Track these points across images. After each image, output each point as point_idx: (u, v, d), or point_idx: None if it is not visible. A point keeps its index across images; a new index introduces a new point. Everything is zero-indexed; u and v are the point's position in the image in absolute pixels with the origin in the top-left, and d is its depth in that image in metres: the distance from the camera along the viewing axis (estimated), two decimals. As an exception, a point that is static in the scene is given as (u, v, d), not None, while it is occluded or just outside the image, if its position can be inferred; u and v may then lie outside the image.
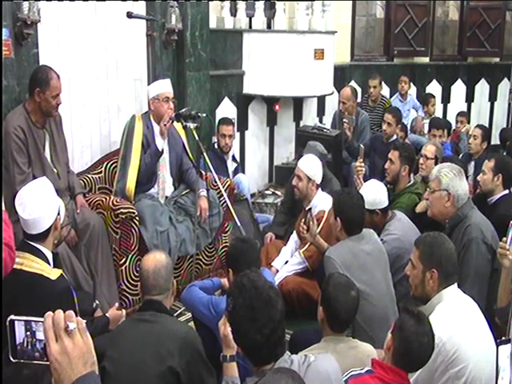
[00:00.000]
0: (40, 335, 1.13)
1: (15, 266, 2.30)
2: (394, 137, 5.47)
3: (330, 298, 2.44)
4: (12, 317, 1.14)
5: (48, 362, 1.12)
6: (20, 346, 1.14)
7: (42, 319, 1.13)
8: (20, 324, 1.14)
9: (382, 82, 6.79)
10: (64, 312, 1.13)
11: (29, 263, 2.48)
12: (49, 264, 2.57)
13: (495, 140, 8.84)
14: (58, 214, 2.64)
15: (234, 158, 5.38)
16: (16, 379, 1.62)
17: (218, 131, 5.17)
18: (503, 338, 1.98)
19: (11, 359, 1.15)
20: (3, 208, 2.32)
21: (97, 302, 3.16)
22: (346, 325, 2.52)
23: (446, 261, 2.48)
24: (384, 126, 5.36)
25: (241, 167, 5.63)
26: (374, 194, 3.55)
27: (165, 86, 4.12)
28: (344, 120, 5.49)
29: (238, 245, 2.92)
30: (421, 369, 2.22)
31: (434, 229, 3.02)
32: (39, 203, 2.53)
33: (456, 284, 2.52)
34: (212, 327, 2.70)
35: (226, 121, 5.24)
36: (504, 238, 2.65)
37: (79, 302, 2.62)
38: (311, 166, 4.04)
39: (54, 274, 2.51)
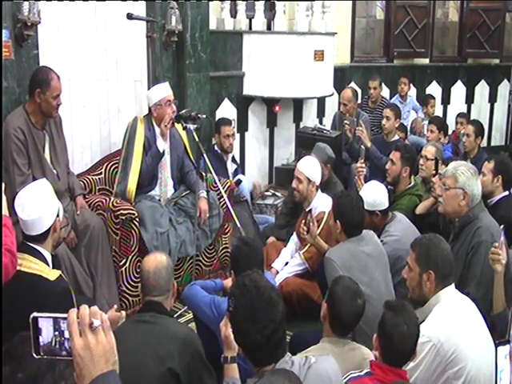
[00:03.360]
0: (68, 334, 1.14)
1: None
2: (396, 137, 5.48)
3: (335, 298, 2.44)
4: (35, 314, 1.14)
5: (71, 358, 1.13)
6: (48, 345, 1.15)
7: (66, 315, 1.14)
8: (48, 324, 1.14)
9: (382, 84, 6.79)
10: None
11: (27, 264, 2.47)
12: (48, 265, 2.57)
13: (495, 141, 8.86)
14: (58, 215, 2.64)
15: (233, 160, 5.38)
16: (11, 382, 1.62)
17: (220, 133, 5.14)
18: (502, 339, 1.98)
19: (34, 355, 1.15)
20: (7, 213, 2.31)
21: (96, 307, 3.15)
22: (348, 330, 2.51)
23: (443, 262, 2.48)
24: (383, 121, 5.40)
25: (240, 168, 5.63)
26: (374, 195, 3.55)
27: (164, 90, 4.09)
28: (345, 122, 5.49)
29: (241, 248, 2.87)
30: (419, 365, 2.22)
31: (433, 230, 3.02)
32: (38, 204, 2.53)
33: (453, 285, 2.52)
34: (213, 327, 2.70)
35: (226, 121, 5.24)
36: (496, 243, 2.64)
37: (79, 306, 2.61)
38: (311, 168, 4.03)
39: (52, 274, 2.51)
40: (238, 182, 5.14)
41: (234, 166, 5.32)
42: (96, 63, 4.28)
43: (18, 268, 2.37)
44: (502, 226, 2.67)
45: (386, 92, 7.37)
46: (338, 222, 3.17)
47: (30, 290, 2.41)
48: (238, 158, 5.71)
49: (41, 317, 1.14)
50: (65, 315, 1.14)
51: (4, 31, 3.45)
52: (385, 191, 3.64)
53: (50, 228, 2.58)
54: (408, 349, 2.13)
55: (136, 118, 4.15)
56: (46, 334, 1.15)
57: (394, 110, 5.47)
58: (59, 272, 2.58)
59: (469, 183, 3.15)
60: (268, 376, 1.69)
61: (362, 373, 2.19)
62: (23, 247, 2.52)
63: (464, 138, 5.09)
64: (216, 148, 5.21)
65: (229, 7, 5.99)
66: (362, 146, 4.63)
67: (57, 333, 1.14)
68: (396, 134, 5.54)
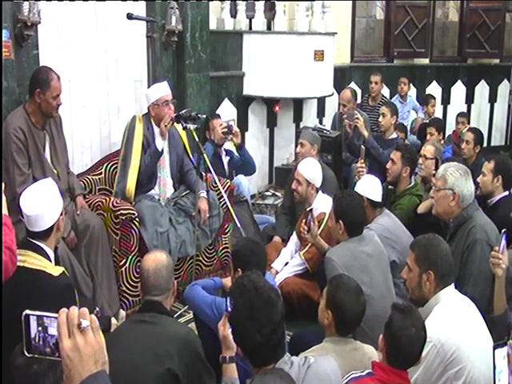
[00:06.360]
0: (52, 331, 1.14)
1: (17, 264, 2.32)
2: (394, 135, 5.48)
3: (340, 304, 2.42)
4: (27, 311, 1.14)
5: (59, 358, 1.12)
6: (33, 341, 1.15)
7: (55, 315, 1.13)
8: (33, 319, 1.14)
9: (383, 83, 6.79)
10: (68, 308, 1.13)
11: (31, 260, 2.49)
12: (50, 262, 2.58)
13: (495, 141, 8.86)
14: (61, 214, 2.65)
15: (227, 153, 5.29)
16: (26, 372, 1.65)
17: (213, 127, 4.96)
18: (499, 342, 1.98)
19: (26, 353, 1.15)
20: (6, 212, 2.32)
21: (97, 308, 3.16)
22: (352, 329, 2.51)
23: (442, 262, 2.48)
24: (380, 118, 5.44)
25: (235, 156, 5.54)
26: (367, 183, 3.69)
27: (162, 90, 4.07)
28: (344, 116, 5.47)
29: (249, 246, 2.88)
30: (419, 366, 2.22)
31: (435, 230, 3.03)
32: (42, 201, 2.55)
33: (453, 285, 2.52)
34: (213, 327, 2.70)
35: (216, 115, 5.23)
36: (496, 247, 2.64)
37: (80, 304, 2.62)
38: (310, 170, 4.03)
39: (56, 270, 2.53)
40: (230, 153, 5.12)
41: (228, 158, 5.22)
42: (96, 63, 4.28)
43: (21, 264, 2.39)
44: (503, 230, 2.66)
45: (386, 92, 7.37)
46: (340, 221, 3.17)
47: (34, 286, 2.42)
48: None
49: (32, 315, 1.14)
50: (52, 314, 1.14)
51: (4, 31, 3.44)
52: (379, 186, 3.71)
53: (53, 225, 2.59)
54: (414, 352, 2.12)
55: (134, 117, 4.15)
56: (32, 330, 1.15)
57: (390, 107, 5.49)
58: (62, 268, 2.60)
59: (458, 184, 3.17)
60: (260, 376, 1.71)
61: (364, 373, 2.19)
62: (26, 244, 2.55)
63: (463, 145, 5.06)
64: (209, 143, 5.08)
65: (229, 7, 6.00)
66: (362, 146, 4.63)
67: (40, 328, 1.14)
68: (394, 132, 5.54)
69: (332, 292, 2.48)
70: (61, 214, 2.65)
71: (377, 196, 3.63)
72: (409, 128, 6.73)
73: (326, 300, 2.48)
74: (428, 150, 4.42)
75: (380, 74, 6.52)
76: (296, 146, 6.22)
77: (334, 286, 2.51)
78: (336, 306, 2.44)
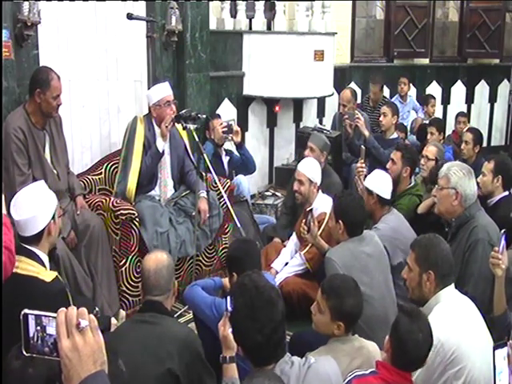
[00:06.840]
0: (50, 330, 1.14)
1: None
2: (395, 135, 5.48)
3: (351, 312, 2.42)
4: (26, 311, 1.14)
5: (58, 358, 1.12)
6: (32, 340, 1.15)
7: (53, 314, 1.13)
8: (31, 318, 1.14)
9: (382, 90, 6.76)
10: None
11: (24, 266, 2.46)
12: (44, 266, 2.55)
13: (495, 141, 8.86)
14: (53, 218, 2.61)
15: (227, 153, 5.28)
16: (21, 375, 1.64)
17: (213, 127, 4.96)
18: (499, 342, 1.98)
19: (24, 353, 1.15)
20: (5, 212, 2.31)
21: (97, 308, 3.16)
22: (355, 322, 2.52)
23: (442, 261, 2.48)
24: (381, 118, 5.44)
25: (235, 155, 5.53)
26: (378, 178, 3.67)
27: (164, 91, 4.07)
28: (345, 116, 5.47)
29: (240, 247, 2.90)
30: (421, 367, 2.22)
31: (435, 230, 3.03)
32: (31, 205, 2.51)
33: (453, 285, 2.53)
34: (213, 328, 2.70)
35: (216, 115, 5.22)
36: (496, 248, 2.64)
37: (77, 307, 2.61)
38: (311, 169, 4.06)
39: (48, 276, 2.49)
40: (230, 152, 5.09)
41: (228, 158, 5.21)
42: (96, 63, 4.28)
43: (14, 270, 2.36)
44: (502, 231, 2.67)
45: (386, 92, 7.36)
46: (340, 221, 3.18)
47: (27, 292, 2.39)
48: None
49: (31, 314, 1.14)
50: (50, 313, 1.14)
51: (4, 31, 3.44)
52: (390, 182, 3.69)
53: (43, 230, 2.55)
54: (420, 356, 2.12)
55: (136, 118, 4.15)
56: (31, 330, 1.15)
57: (391, 107, 5.49)
58: (55, 273, 2.56)
59: (460, 183, 3.18)
60: (248, 379, 1.73)
61: (367, 372, 2.19)
62: (19, 249, 2.48)
63: (462, 145, 5.06)
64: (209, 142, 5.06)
65: (229, 7, 6.00)
66: (362, 146, 4.63)
67: (39, 328, 1.14)
68: (395, 132, 5.54)
69: (337, 305, 2.42)
70: (52, 218, 2.60)
71: (386, 193, 3.63)
72: (408, 128, 6.73)
73: (331, 314, 2.42)
74: (430, 150, 4.42)
75: (379, 82, 6.47)
76: (296, 146, 6.27)
77: (336, 296, 2.44)
78: (347, 315, 2.42)
